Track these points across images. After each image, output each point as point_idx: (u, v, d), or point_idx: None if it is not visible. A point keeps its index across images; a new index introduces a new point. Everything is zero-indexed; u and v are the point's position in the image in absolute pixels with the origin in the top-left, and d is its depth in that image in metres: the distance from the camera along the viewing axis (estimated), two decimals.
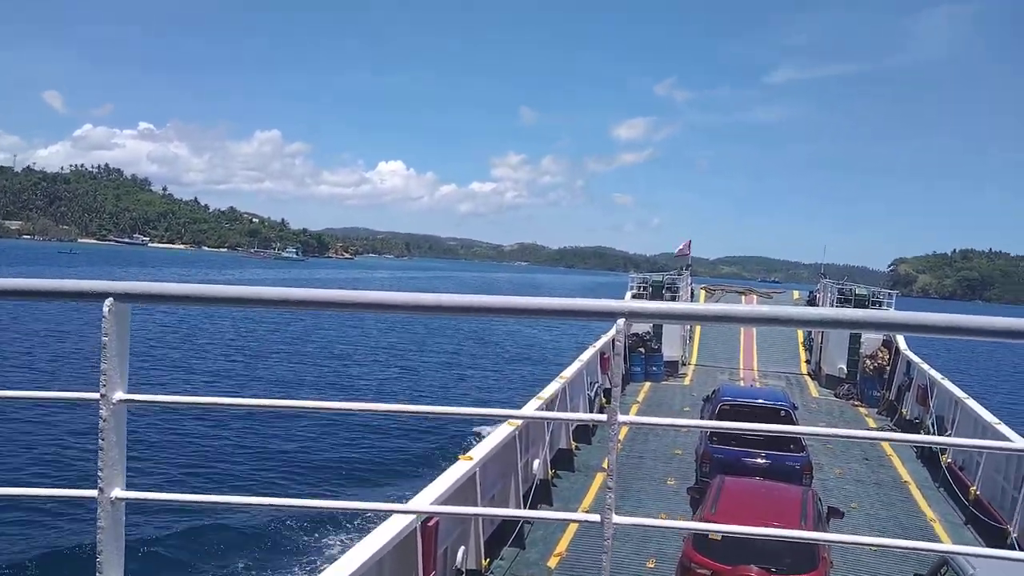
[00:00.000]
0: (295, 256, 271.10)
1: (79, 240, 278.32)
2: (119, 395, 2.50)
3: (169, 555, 16.38)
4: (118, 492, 2.51)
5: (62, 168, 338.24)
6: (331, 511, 17.51)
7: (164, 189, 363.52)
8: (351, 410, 2.75)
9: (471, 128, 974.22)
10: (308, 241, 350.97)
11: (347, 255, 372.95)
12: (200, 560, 16.65)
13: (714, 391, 19.52)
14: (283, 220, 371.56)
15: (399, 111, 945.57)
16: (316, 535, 17.90)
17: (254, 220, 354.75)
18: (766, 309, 2.38)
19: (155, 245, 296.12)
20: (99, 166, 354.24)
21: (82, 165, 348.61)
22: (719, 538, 9.48)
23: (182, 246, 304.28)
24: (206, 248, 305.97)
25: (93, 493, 2.50)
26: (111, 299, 2.48)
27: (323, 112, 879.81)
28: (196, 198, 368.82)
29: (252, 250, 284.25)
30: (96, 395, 2.49)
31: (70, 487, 2.84)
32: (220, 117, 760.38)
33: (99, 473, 2.49)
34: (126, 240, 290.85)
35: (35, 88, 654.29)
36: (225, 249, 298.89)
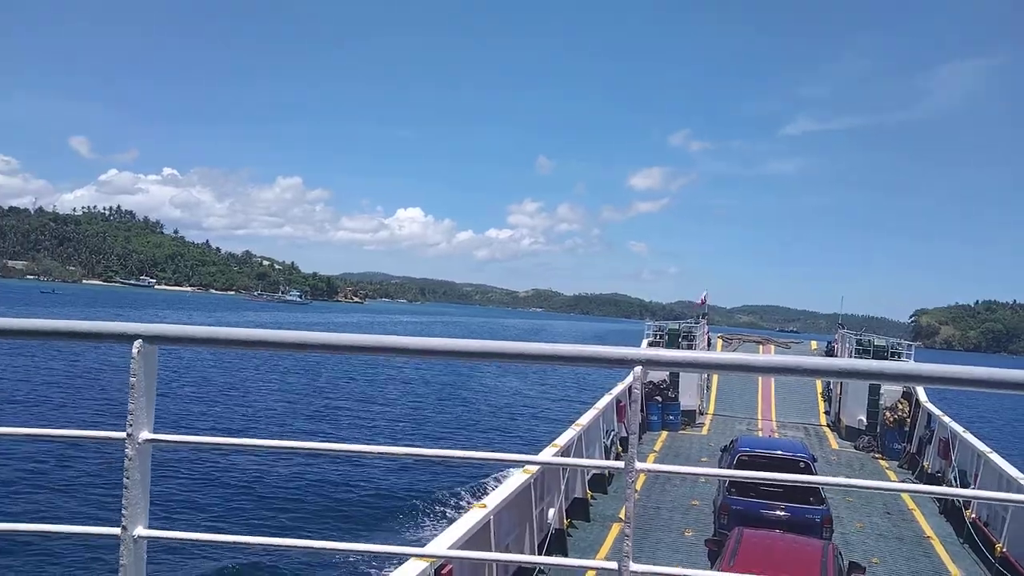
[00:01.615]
0: (298, 299, 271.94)
1: (83, 281, 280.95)
2: (145, 435, 2.55)
3: None
4: (141, 530, 2.54)
5: (74, 210, 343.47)
6: (350, 552, 17.41)
7: (176, 232, 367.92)
8: (369, 453, 2.76)
9: (489, 176, 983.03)
10: (317, 285, 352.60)
11: (356, 299, 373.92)
12: None
13: (732, 441, 19.32)
14: (292, 263, 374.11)
15: (419, 159, 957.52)
16: None
17: (263, 263, 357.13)
18: (785, 359, 2.40)
19: (162, 287, 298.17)
20: (110, 208, 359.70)
21: (95, 207, 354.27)
22: None
23: (189, 289, 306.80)
24: (214, 291, 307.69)
25: (116, 531, 2.53)
26: (140, 341, 2.53)
27: (344, 159, 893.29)
28: (208, 241, 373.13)
29: (255, 293, 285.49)
30: (123, 434, 2.54)
31: (94, 524, 2.86)
32: (243, 163, 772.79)
33: (123, 511, 2.52)
34: (132, 282, 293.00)
35: (63, 134, 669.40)
36: (233, 292, 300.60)
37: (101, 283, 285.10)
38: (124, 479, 2.54)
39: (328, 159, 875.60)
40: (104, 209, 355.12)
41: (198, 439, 2.88)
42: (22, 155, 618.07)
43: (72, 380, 44.70)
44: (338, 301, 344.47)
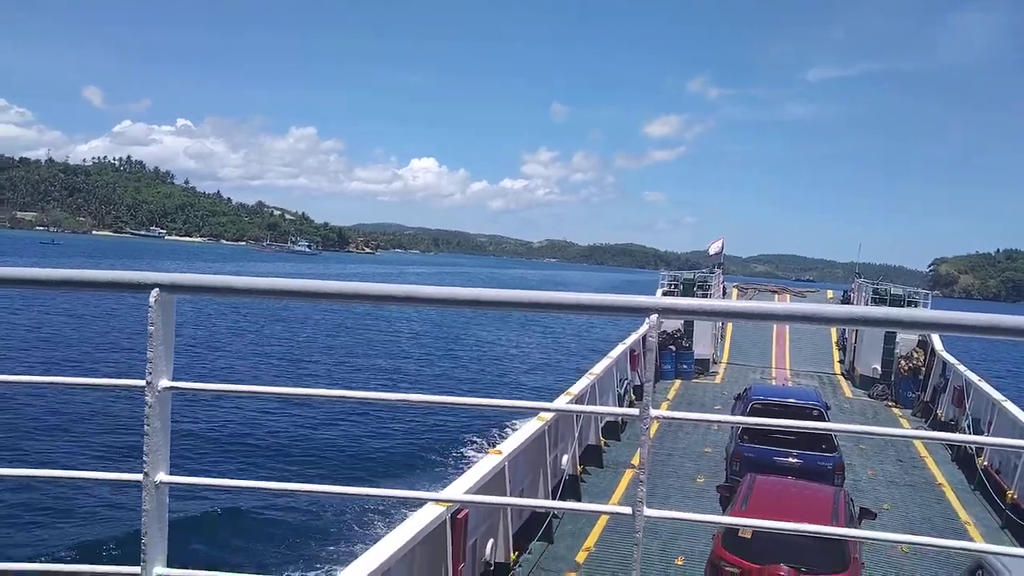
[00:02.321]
0: (307, 250, 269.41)
1: (93, 232, 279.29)
2: (164, 382, 2.57)
3: (211, 538, 16.80)
4: (163, 476, 2.58)
5: (84, 160, 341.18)
6: (366, 498, 17.79)
7: (186, 182, 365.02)
8: (385, 400, 2.79)
9: (503, 125, 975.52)
10: (328, 235, 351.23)
11: (368, 250, 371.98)
12: (239, 542, 17.12)
13: (745, 390, 19.37)
14: (303, 214, 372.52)
15: (433, 108, 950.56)
16: (352, 521, 18.28)
17: (274, 213, 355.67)
18: (800, 306, 2.39)
19: (172, 238, 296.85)
20: (120, 158, 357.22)
21: (105, 158, 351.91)
22: (749, 536, 9.43)
23: (200, 239, 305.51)
24: (224, 241, 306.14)
25: (138, 477, 2.57)
26: (157, 290, 2.54)
27: (358, 109, 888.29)
28: (219, 191, 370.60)
29: (264, 243, 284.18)
30: (142, 382, 2.56)
31: (116, 471, 2.92)
32: (257, 112, 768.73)
33: (144, 458, 2.56)
34: (142, 232, 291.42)
35: (76, 84, 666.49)
36: (243, 243, 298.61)
37: (111, 234, 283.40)
38: (145, 426, 2.57)
39: (342, 109, 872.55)
40: (114, 159, 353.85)
41: (217, 387, 2.92)
42: (36, 107, 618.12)
43: (94, 329, 45.36)
44: (349, 252, 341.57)
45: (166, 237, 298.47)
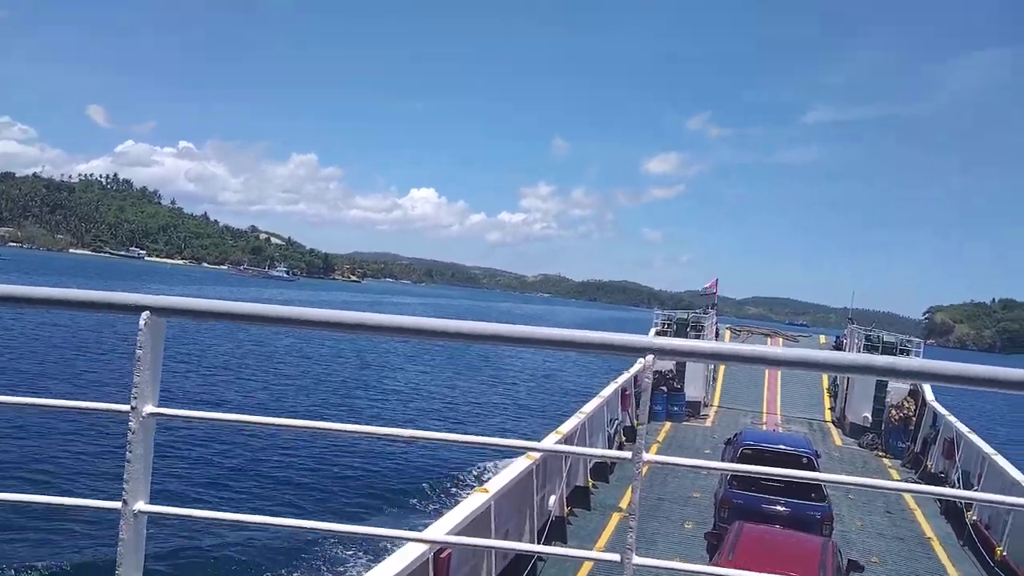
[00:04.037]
0: (285, 275, 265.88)
1: (70, 250, 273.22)
2: (149, 408, 2.53)
3: (187, 571, 16.45)
4: (141, 505, 2.52)
5: (69, 177, 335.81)
6: (347, 535, 17.50)
7: (173, 202, 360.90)
8: (372, 434, 2.74)
9: (504, 158, 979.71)
10: (313, 261, 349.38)
11: (353, 278, 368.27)
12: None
13: (736, 434, 19.26)
14: (290, 238, 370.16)
15: (434, 139, 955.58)
16: (333, 558, 17.93)
17: (259, 237, 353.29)
18: (796, 352, 2.35)
19: (152, 259, 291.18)
20: (107, 176, 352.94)
21: (92, 175, 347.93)
22: None
23: (181, 261, 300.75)
24: (206, 264, 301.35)
25: (117, 505, 2.51)
26: (147, 312, 2.51)
27: (359, 137, 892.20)
28: (205, 213, 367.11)
29: (242, 267, 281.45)
30: (127, 407, 2.51)
31: (95, 498, 2.86)
32: (260, 137, 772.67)
33: (124, 485, 2.51)
34: (121, 252, 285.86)
35: (80, 103, 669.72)
36: (225, 267, 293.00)
37: (89, 252, 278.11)
38: (127, 452, 2.52)
39: (343, 137, 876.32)
40: (101, 177, 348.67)
41: (202, 414, 2.87)
42: (40, 124, 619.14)
43: (79, 351, 44.98)
44: (334, 279, 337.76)
45: (146, 258, 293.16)
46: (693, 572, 2.96)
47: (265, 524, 2.73)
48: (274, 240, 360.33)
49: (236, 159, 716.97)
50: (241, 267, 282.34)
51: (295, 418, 2.85)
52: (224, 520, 2.78)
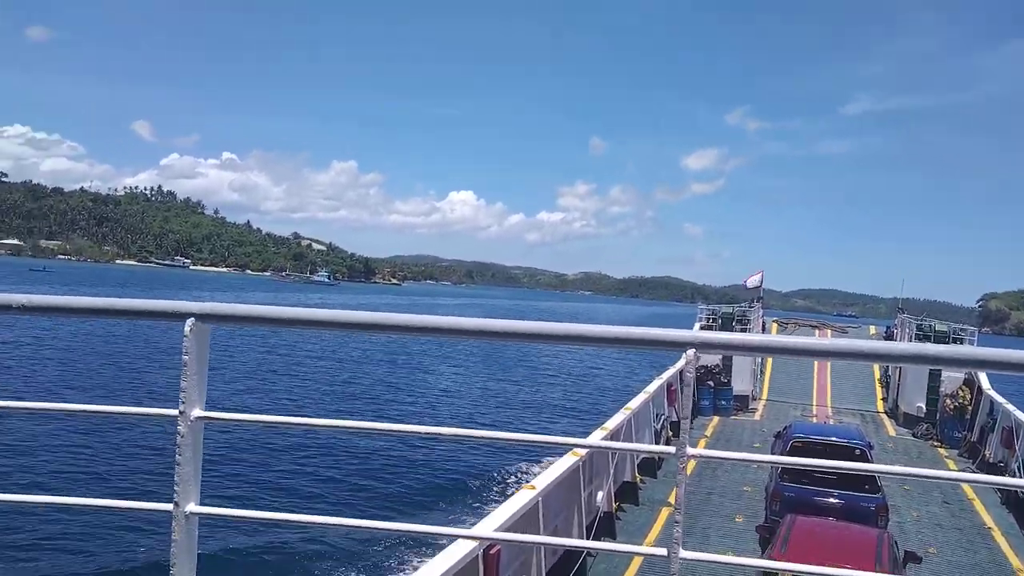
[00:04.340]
0: (327, 280, 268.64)
1: (117, 261, 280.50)
2: (197, 412, 2.58)
3: (240, 570, 16.75)
4: (193, 507, 2.57)
5: (115, 190, 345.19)
6: (397, 533, 17.67)
7: (216, 212, 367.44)
8: (419, 433, 2.77)
9: (542, 158, 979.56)
10: (355, 266, 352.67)
11: (394, 281, 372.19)
12: (267, 574, 17.02)
13: (785, 427, 18.99)
14: (331, 244, 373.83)
15: (472, 142, 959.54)
16: (383, 556, 18.10)
17: (302, 244, 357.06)
18: (840, 342, 2.31)
19: (197, 268, 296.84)
20: (151, 188, 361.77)
21: (137, 188, 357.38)
22: None
23: (225, 269, 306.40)
24: (249, 271, 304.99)
25: (169, 507, 2.56)
26: (192, 319, 2.55)
27: (398, 143, 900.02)
28: (248, 221, 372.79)
29: (283, 274, 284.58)
30: (175, 412, 2.57)
31: (147, 500, 2.93)
32: (300, 147, 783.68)
33: (175, 488, 2.56)
34: (167, 262, 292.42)
35: (127, 119, 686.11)
36: (268, 273, 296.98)
37: (135, 263, 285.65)
38: (176, 456, 2.57)
39: (382, 143, 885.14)
40: (146, 190, 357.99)
41: (249, 417, 2.92)
42: (88, 141, 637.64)
43: (125, 359, 46.12)
44: (375, 283, 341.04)
45: (191, 267, 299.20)
46: (740, 565, 2.94)
47: (314, 523, 2.77)
48: (316, 246, 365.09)
49: (278, 168, 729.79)
50: (283, 273, 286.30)
51: (339, 418, 2.88)
52: (274, 520, 2.83)
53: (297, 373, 48.15)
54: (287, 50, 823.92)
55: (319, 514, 2.89)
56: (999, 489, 19.18)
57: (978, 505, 18.58)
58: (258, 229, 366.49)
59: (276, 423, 2.87)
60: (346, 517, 2.90)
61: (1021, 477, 18.90)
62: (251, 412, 3.06)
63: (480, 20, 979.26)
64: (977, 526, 17.21)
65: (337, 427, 2.83)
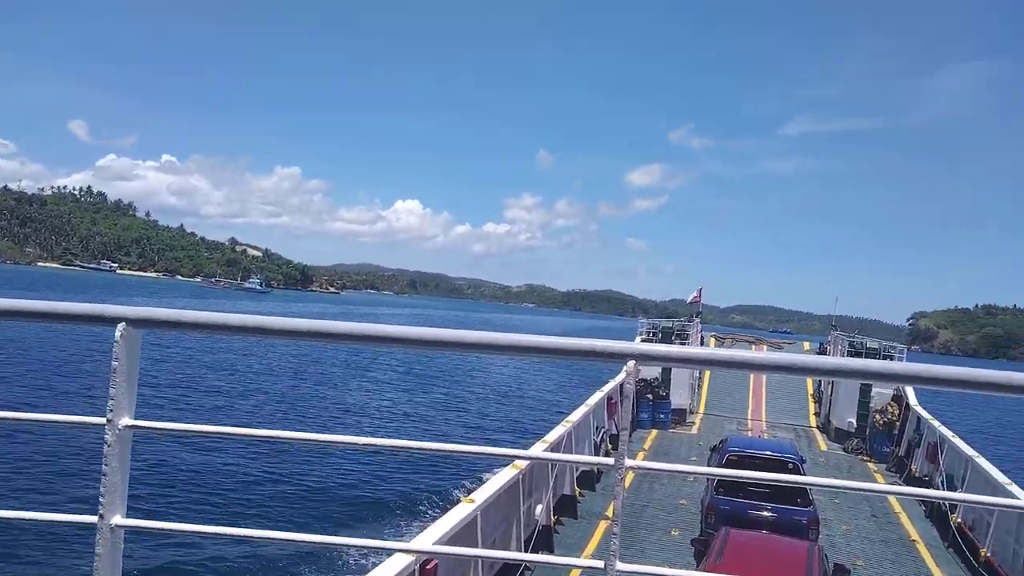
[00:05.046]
0: (258, 288, 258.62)
1: (38, 264, 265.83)
2: (126, 420, 2.47)
3: None
4: (119, 519, 2.47)
5: (41, 190, 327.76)
6: (332, 546, 17.32)
7: (147, 215, 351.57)
8: (354, 444, 2.71)
9: (489, 169, 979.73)
10: (291, 273, 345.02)
11: (332, 289, 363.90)
12: None
13: (722, 441, 19.33)
14: (267, 250, 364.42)
15: (419, 151, 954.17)
16: (316, 570, 17.69)
17: (236, 249, 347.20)
18: (777, 356, 2.34)
19: (125, 272, 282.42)
20: (80, 189, 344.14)
21: (65, 188, 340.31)
22: None
23: (154, 274, 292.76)
24: (180, 277, 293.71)
25: (93, 519, 2.45)
26: (123, 324, 2.46)
27: (343, 150, 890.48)
28: (182, 225, 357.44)
29: (214, 280, 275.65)
30: (103, 420, 2.46)
31: (70, 512, 2.81)
32: (242, 151, 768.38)
33: (100, 499, 2.45)
34: (92, 266, 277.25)
35: (62, 118, 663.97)
36: (199, 279, 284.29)
37: (58, 266, 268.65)
38: (103, 466, 2.47)
39: (327, 149, 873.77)
40: (74, 190, 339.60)
41: (179, 426, 2.82)
42: (21, 139, 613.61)
43: (54, 363, 44.45)
44: (312, 291, 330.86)
45: (118, 271, 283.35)
46: None
47: (246, 536, 2.69)
48: (252, 252, 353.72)
49: (219, 173, 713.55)
50: (213, 279, 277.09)
51: (272, 428, 2.81)
52: (204, 533, 2.71)
53: (229, 382, 46.99)
54: (232, 53, 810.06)
55: (252, 527, 2.80)
56: (924, 502, 19.83)
57: (904, 518, 19.16)
58: (192, 233, 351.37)
59: (207, 432, 2.79)
60: (280, 531, 2.82)
61: (944, 491, 19.57)
62: (181, 422, 2.96)
63: (428, 29, 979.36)
64: (903, 538, 17.76)
65: (270, 438, 2.76)
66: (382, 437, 2.88)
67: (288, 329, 2.46)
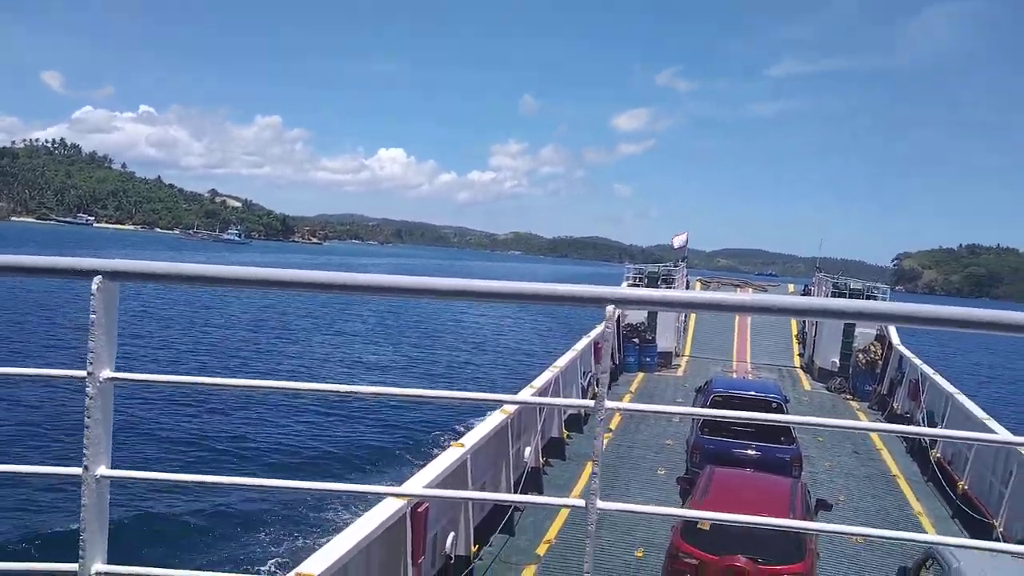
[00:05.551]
0: (237, 239, 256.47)
1: (12, 218, 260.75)
2: (106, 373, 2.50)
3: (154, 534, 16.20)
4: (103, 470, 2.50)
5: (12, 142, 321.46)
6: (321, 493, 17.48)
7: (123, 166, 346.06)
8: (341, 392, 2.72)
9: (473, 117, 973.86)
10: (272, 224, 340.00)
11: (315, 240, 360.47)
12: (185, 540, 16.54)
13: (706, 382, 19.56)
14: (248, 201, 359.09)
15: (402, 98, 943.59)
16: (305, 517, 17.83)
17: (215, 200, 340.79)
18: (757, 297, 2.36)
19: (101, 225, 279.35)
20: (53, 141, 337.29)
21: (37, 140, 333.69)
22: (707, 527, 9.50)
23: (132, 227, 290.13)
24: (158, 229, 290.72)
25: (78, 471, 2.49)
26: (100, 277, 2.46)
27: (326, 98, 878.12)
28: (159, 177, 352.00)
29: (191, 231, 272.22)
30: (83, 373, 2.48)
31: (55, 464, 2.83)
32: (223, 101, 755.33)
33: (84, 451, 2.48)
34: (68, 219, 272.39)
35: (35, 68, 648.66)
36: (177, 231, 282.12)
37: (33, 220, 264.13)
38: (86, 418, 2.48)
39: (309, 98, 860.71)
40: (47, 142, 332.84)
41: (161, 378, 2.83)
42: None
43: (33, 317, 44.18)
44: (294, 242, 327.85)
45: (95, 224, 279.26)
46: (655, 514, 3.03)
47: (233, 484, 2.72)
48: (232, 203, 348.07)
49: (199, 123, 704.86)
50: (191, 231, 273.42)
51: (255, 378, 2.81)
52: (189, 482, 2.76)
53: (212, 332, 46.88)
54: (209, 3, 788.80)
55: (237, 475, 2.83)
56: (904, 438, 20.24)
57: (885, 455, 19.56)
58: (170, 185, 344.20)
59: (189, 383, 2.82)
60: (266, 478, 2.84)
61: (925, 427, 19.98)
62: (163, 373, 2.97)
63: None
64: (883, 474, 18.15)
65: (253, 387, 2.77)
66: (371, 385, 2.89)
67: (261, 279, 2.46)
